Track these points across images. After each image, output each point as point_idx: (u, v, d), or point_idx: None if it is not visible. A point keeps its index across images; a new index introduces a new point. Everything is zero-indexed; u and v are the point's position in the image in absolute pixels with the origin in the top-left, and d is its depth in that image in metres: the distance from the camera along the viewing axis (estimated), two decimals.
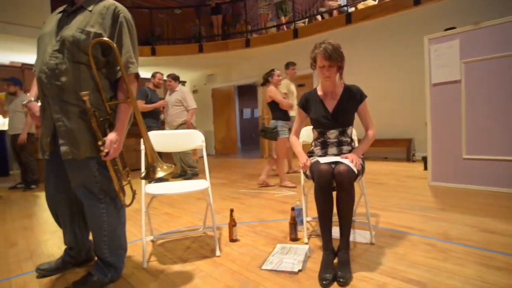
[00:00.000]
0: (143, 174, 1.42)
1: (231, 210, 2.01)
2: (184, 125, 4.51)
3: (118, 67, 1.35)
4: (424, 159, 4.21)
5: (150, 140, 1.40)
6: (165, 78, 4.70)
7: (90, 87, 1.32)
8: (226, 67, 8.59)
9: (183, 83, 8.61)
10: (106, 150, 1.30)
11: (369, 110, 1.83)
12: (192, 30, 8.44)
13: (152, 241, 2.09)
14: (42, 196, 3.96)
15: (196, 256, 1.82)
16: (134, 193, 1.53)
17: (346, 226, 1.56)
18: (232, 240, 2.02)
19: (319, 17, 6.60)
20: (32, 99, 1.42)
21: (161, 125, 4.47)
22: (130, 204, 1.52)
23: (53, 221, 1.66)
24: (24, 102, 1.41)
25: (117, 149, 1.34)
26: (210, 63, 8.24)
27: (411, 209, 2.53)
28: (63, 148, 1.32)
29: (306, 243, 1.90)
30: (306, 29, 6.40)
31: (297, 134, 1.96)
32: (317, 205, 1.57)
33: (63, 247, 1.70)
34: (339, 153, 1.78)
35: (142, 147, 1.83)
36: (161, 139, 2.01)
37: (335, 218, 1.60)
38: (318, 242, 1.92)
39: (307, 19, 6.88)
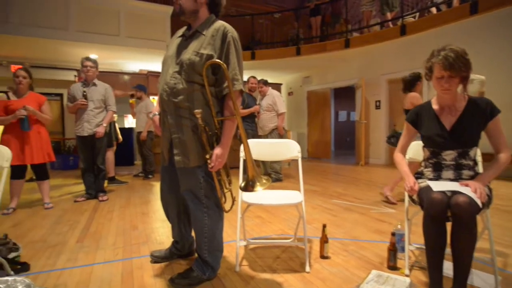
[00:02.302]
0: (242, 185, 1.49)
1: (324, 226, 1.94)
2: (276, 130, 4.60)
3: (225, 85, 1.46)
4: None
5: (251, 154, 1.46)
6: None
7: (201, 104, 1.47)
8: (322, 69, 8.40)
9: (279, 85, 8.85)
10: (212, 164, 1.43)
11: (501, 128, 1.49)
12: (290, 33, 8.54)
13: (245, 246, 2.19)
14: (156, 186, 4.65)
15: (285, 267, 1.83)
16: (233, 200, 1.63)
17: (463, 268, 1.31)
18: (323, 256, 1.95)
19: (433, 10, 5.79)
20: (156, 113, 1.67)
21: (256, 129, 4.65)
22: (229, 210, 1.63)
23: (163, 212, 1.90)
24: (150, 115, 1.67)
25: (221, 162, 1.46)
26: (307, 65, 8.18)
27: None
28: (176, 158, 1.50)
29: (407, 275, 1.68)
30: (416, 24, 5.70)
31: (403, 152, 1.75)
32: (426, 238, 1.37)
33: (171, 236, 1.94)
34: (456, 178, 1.51)
35: (242, 154, 1.94)
36: (257, 148, 2.08)
37: (447, 250, 1.37)
38: (422, 276, 1.68)
39: (417, 13, 6.12)
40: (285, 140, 2.14)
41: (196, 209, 1.57)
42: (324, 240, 1.95)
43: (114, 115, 3.87)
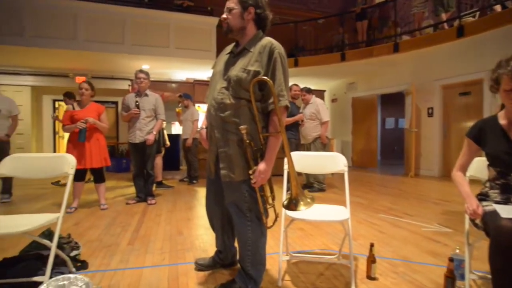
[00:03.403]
0: (285, 203, 1.48)
1: (371, 245, 1.84)
2: (319, 138, 4.50)
3: (271, 100, 1.46)
4: None
5: (295, 172, 1.44)
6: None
7: (247, 119, 1.49)
8: (369, 75, 8.08)
9: (322, 92, 8.68)
10: (254, 180, 1.44)
11: None
12: (334, 39, 8.36)
13: (287, 261, 2.16)
14: (200, 191, 4.80)
15: (329, 286, 1.76)
16: (276, 217, 1.62)
17: None
18: (370, 277, 1.84)
19: (497, 7, 5.27)
20: (204, 127, 1.72)
21: (299, 138, 4.60)
22: (271, 226, 1.61)
23: (208, 221, 1.95)
24: (198, 129, 1.73)
25: (264, 178, 1.46)
26: (352, 71, 7.93)
27: None
28: (222, 172, 1.54)
29: None
30: (475, 24, 5.23)
31: (463, 170, 1.60)
32: (493, 271, 1.22)
33: (214, 244, 1.98)
34: None
35: (286, 166, 1.92)
36: (301, 160, 2.04)
37: None
38: None
39: (478, 13, 5.62)
40: (331, 153, 2.08)
41: (240, 222, 1.59)
42: (371, 259, 1.84)
43: (163, 123, 4.08)
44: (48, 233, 1.98)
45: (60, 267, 1.84)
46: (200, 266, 1.96)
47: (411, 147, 6.58)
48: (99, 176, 3.60)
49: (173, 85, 7.98)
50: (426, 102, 6.60)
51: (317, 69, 7.56)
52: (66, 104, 5.24)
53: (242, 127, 1.43)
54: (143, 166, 3.81)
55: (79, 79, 7.89)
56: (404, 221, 3.10)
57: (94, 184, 3.65)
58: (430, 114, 6.53)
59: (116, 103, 8.77)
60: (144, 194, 3.88)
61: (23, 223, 1.56)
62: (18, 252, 1.97)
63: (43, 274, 1.61)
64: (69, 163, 1.85)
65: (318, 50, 8.24)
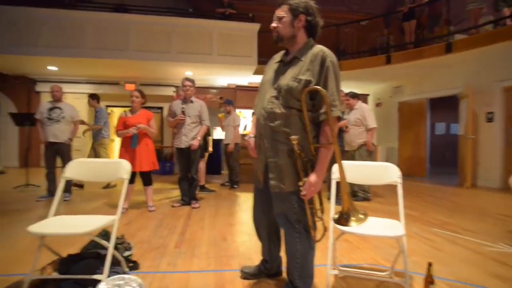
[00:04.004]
0: (335, 217, 1.42)
1: (429, 264, 1.70)
2: (365, 145, 4.32)
3: (322, 110, 1.42)
4: None
5: (347, 185, 1.38)
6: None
7: (298, 129, 1.46)
8: (417, 78, 7.62)
9: (365, 96, 8.35)
10: (304, 192, 1.40)
11: None
12: (378, 41, 8.02)
13: (335, 275, 2.07)
14: (241, 196, 4.84)
15: None
16: (325, 231, 1.56)
17: None
18: None
19: None
20: (252, 136, 1.72)
21: (343, 145, 4.44)
22: (319, 240, 1.56)
23: (251, 224, 1.94)
24: (246, 138, 1.73)
25: (314, 191, 1.43)
26: (398, 74, 7.54)
27: None
28: (272, 182, 1.52)
29: None
30: None
31: None
32: None
33: (259, 252, 1.97)
34: None
35: (334, 175, 1.86)
36: (351, 170, 1.95)
37: None
38: None
39: None
40: (383, 163, 1.97)
41: (288, 234, 1.56)
42: (429, 280, 1.70)
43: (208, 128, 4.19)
44: (104, 233, 2.11)
45: (115, 266, 1.95)
46: (245, 274, 1.95)
47: (466, 155, 6.05)
48: (147, 179, 3.79)
49: (215, 90, 8.20)
50: (484, 106, 6.04)
51: (360, 72, 7.30)
52: (90, 105, 5.54)
53: (293, 137, 1.40)
54: (188, 170, 3.94)
55: (129, 86, 8.44)
56: (463, 237, 2.84)
57: (143, 186, 3.85)
58: (490, 119, 5.96)
59: (161, 108, 9.22)
60: (188, 197, 4.01)
61: (85, 224, 1.67)
62: (79, 249, 2.12)
63: (101, 273, 1.71)
64: (124, 168, 1.96)
65: (360, 53, 7.96)
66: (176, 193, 4.66)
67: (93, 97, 5.49)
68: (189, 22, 6.97)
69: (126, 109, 3.88)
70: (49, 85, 4.29)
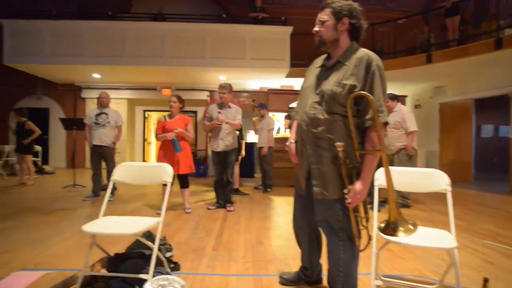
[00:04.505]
0: (381, 226, 1.37)
1: (485, 280, 1.58)
2: (404, 150, 4.13)
3: (367, 116, 1.38)
4: None
5: (395, 194, 1.33)
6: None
7: (342, 135, 1.42)
8: (461, 77, 7.15)
9: (403, 97, 7.99)
10: (349, 200, 1.36)
11: None
12: (417, 39, 7.64)
13: (378, 286, 1.99)
14: (275, 200, 4.83)
15: None
16: (369, 240, 1.51)
17: None
18: None
19: None
20: (292, 141, 1.70)
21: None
22: (364, 249, 1.51)
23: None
24: (287, 143, 1.72)
25: (360, 199, 1.38)
26: (440, 74, 7.14)
27: None
28: (315, 189, 1.49)
29: None
30: None
31: None
32: None
33: (296, 257, 1.94)
34: None
35: (377, 182, 1.79)
36: (395, 176, 1.87)
37: None
38: None
39: None
40: (430, 170, 1.86)
41: (331, 242, 1.53)
42: None
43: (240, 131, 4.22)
44: (148, 234, 2.20)
45: (158, 267, 2.02)
46: (284, 281, 1.94)
47: None
48: (184, 182, 3.90)
49: (247, 94, 8.29)
50: None
51: (398, 73, 7.01)
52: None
53: (338, 144, 1.37)
54: (223, 173, 4.01)
55: (165, 91, 8.79)
56: None
57: (179, 189, 3.97)
58: None
59: (195, 112, 9.48)
60: (223, 200, 4.07)
61: (133, 225, 1.76)
62: (122, 248, 2.23)
63: (147, 273, 1.78)
64: (167, 172, 2.04)
65: (397, 53, 7.64)
66: (211, 195, 4.76)
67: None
68: (222, 27, 7.13)
69: (165, 113, 4.04)
70: (93, 91, 4.59)
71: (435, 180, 1.80)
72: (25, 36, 6.72)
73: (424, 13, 7.77)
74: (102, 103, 4.64)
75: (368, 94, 1.33)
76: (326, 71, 1.53)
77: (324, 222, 1.53)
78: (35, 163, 7.12)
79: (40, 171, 7.52)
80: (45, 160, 8.69)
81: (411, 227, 1.30)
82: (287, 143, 1.72)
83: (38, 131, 5.83)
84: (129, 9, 8.81)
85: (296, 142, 1.67)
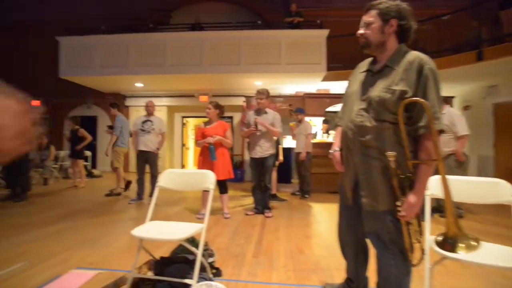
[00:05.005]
0: (439, 239, 1.27)
1: None
2: (453, 155, 3.85)
3: (421, 124, 1.29)
4: None
5: (453, 206, 1.22)
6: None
7: (392, 143, 1.34)
8: None
9: (450, 98, 7.46)
10: (403, 213, 1.28)
11: None
12: (465, 36, 7.11)
13: None
14: (314, 207, 4.73)
15: None
16: (423, 254, 1.41)
17: None
18: None
19: None
20: (337, 149, 1.64)
21: None
22: (417, 264, 1.41)
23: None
24: (331, 151, 1.66)
25: (414, 211, 1.29)
26: (493, 72, 6.56)
27: None
28: (364, 200, 1.42)
29: None
30: None
31: None
32: None
33: (340, 268, 1.87)
34: None
35: (428, 192, 1.67)
36: (457, 186, 1.70)
37: None
38: None
39: None
40: (491, 179, 1.70)
41: (381, 256, 1.44)
42: None
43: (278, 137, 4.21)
44: (191, 239, 2.25)
45: (201, 272, 2.06)
46: None
47: None
48: (223, 187, 3.96)
49: (282, 99, 8.25)
50: None
51: (445, 73, 6.55)
52: (111, 113, 5.70)
53: (390, 153, 1.29)
54: (261, 179, 4.01)
55: (202, 98, 9.05)
56: None
57: (218, 194, 4.03)
58: None
59: (231, 118, 9.64)
60: (261, 206, 4.07)
61: (178, 231, 1.82)
62: (166, 251, 2.31)
63: (191, 278, 1.81)
64: (210, 179, 2.07)
65: (442, 52, 7.17)
66: (248, 200, 4.78)
67: (113, 106, 5.73)
68: (258, 34, 7.20)
69: (203, 119, 4.14)
70: (136, 100, 4.84)
71: (498, 190, 1.65)
72: (78, 51, 7.33)
73: (471, 8, 7.23)
74: (149, 111, 4.89)
75: (423, 101, 1.24)
76: (373, 76, 1.46)
77: (373, 235, 1.45)
78: (85, 167, 7.67)
79: (89, 174, 8.10)
80: (94, 164, 9.34)
81: (473, 243, 1.19)
82: (330, 151, 1.66)
83: (89, 138, 6.30)
84: (169, 20, 9.25)
85: (341, 149, 1.61)
